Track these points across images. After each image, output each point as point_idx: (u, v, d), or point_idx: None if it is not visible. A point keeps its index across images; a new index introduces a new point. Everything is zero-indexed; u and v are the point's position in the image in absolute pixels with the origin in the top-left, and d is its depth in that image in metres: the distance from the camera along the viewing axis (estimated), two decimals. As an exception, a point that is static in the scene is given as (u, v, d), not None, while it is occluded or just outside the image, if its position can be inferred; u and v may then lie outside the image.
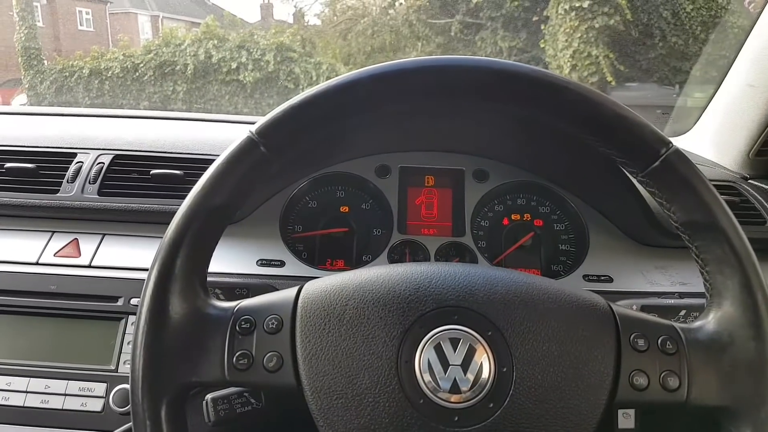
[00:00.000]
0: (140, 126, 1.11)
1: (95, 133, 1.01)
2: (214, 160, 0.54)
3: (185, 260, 0.52)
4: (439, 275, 0.54)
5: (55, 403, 0.76)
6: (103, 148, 0.96)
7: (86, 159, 0.95)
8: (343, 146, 0.96)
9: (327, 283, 0.55)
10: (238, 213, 0.91)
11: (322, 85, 0.54)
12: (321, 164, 0.99)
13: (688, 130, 1.26)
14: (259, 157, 0.54)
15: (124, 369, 0.78)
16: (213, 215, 0.53)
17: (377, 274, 0.55)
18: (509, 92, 0.54)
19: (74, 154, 0.96)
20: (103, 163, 0.94)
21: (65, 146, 0.97)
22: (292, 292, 0.55)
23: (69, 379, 0.77)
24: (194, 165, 0.93)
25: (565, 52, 8.60)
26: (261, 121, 0.54)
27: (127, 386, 0.75)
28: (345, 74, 0.54)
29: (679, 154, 0.53)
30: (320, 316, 0.52)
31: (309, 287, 0.55)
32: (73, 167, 0.94)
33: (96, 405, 0.76)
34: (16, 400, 0.77)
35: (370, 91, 0.54)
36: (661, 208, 0.55)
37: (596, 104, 0.53)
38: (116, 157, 0.95)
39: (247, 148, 0.54)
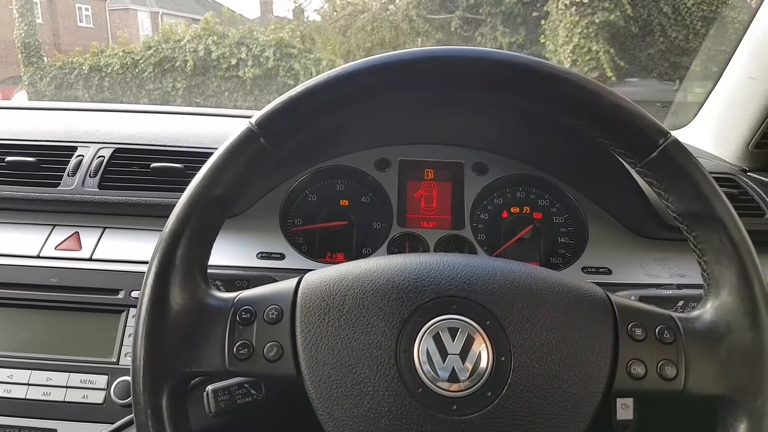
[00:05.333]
0: (140, 120, 1.11)
1: (95, 127, 1.01)
2: (214, 153, 0.55)
3: (186, 251, 0.52)
4: (437, 265, 0.54)
5: (57, 395, 0.77)
6: (103, 141, 0.96)
7: (87, 153, 0.95)
8: (343, 139, 0.96)
9: (326, 273, 0.55)
10: (238, 206, 0.91)
11: (322, 75, 0.54)
12: (321, 157, 0.99)
13: (687, 123, 1.26)
14: (259, 149, 0.54)
15: (125, 361, 0.78)
16: (213, 206, 0.54)
17: (376, 264, 0.55)
18: (508, 83, 0.54)
19: (75, 148, 0.96)
20: (104, 156, 0.94)
21: (66, 140, 0.97)
22: (291, 282, 0.55)
23: (70, 372, 0.78)
24: (194, 158, 0.93)
25: (565, 48, 8.59)
26: (260, 112, 0.54)
27: (129, 378, 0.76)
28: (345, 65, 0.54)
29: (677, 144, 0.53)
30: (320, 307, 0.53)
31: (309, 278, 0.55)
32: (73, 161, 0.94)
33: (97, 397, 0.77)
34: (17, 392, 0.77)
35: (369, 82, 0.54)
36: (659, 198, 0.55)
37: (595, 95, 0.53)
38: (116, 150, 0.95)
39: (247, 139, 0.54)
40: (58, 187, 0.91)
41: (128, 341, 0.79)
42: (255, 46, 9.65)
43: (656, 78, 8.80)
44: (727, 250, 0.52)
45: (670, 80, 8.52)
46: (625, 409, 0.79)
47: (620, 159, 0.57)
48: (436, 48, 0.54)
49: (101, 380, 0.77)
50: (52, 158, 0.95)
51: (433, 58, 0.53)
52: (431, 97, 0.56)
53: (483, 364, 0.50)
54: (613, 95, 0.53)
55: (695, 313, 0.54)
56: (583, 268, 0.91)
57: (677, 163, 0.53)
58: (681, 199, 0.53)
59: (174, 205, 0.54)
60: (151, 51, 9.96)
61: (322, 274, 0.55)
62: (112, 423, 0.75)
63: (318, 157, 0.99)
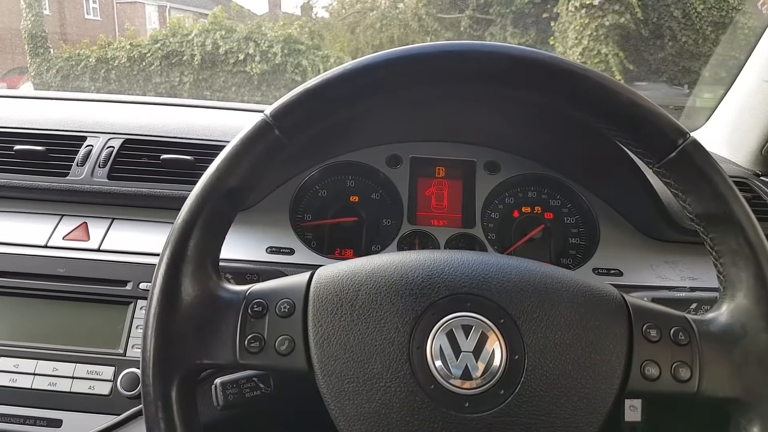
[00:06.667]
0: (150, 111, 1.11)
1: (105, 117, 1.01)
2: (224, 146, 0.54)
3: (198, 242, 0.52)
4: (452, 262, 0.54)
5: (63, 385, 0.77)
6: (113, 132, 0.96)
7: (96, 143, 0.95)
8: (355, 135, 0.96)
9: (339, 268, 0.55)
10: (248, 199, 0.91)
11: (338, 68, 0.53)
12: (332, 153, 0.98)
13: (700, 127, 1.26)
14: (274, 141, 0.53)
15: (132, 353, 0.78)
16: (226, 197, 0.53)
17: (390, 260, 0.55)
18: (527, 79, 0.53)
19: (84, 138, 0.96)
20: (113, 147, 0.94)
21: (75, 129, 0.97)
22: (304, 276, 0.55)
23: (77, 362, 0.78)
24: (205, 151, 0.93)
25: (574, 50, 8.58)
26: (275, 104, 0.54)
27: (135, 370, 0.76)
28: (361, 58, 0.53)
29: (696, 145, 0.53)
30: (332, 301, 0.52)
31: (321, 272, 0.55)
32: (82, 150, 0.94)
33: (104, 388, 0.76)
34: (23, 382, 0.77)
35: (385, 76, 0.53)
36: (676, 199, 0.55)
37: (614, 93, 0.52)
38: (126, 141, 0.95)
39: (262, 131, 0.53)
40: (67, 177, 0.91)
41: (135, 333, 0.79)
42: (263, 41, 9.64)
43: (666, 82, 8.77)
44: (744, 252, 0.52)
45: (680, 85, 8.50)
46: (633, 411, 0.79)
47: (637, 158, 0.57)
48: (453, 42, 0.54)
49: (108, 371, 0.77)
50: (61, 148, 0.95)
51: (450, 51, 0.53)
52: (446, 91, 0.56)
53: (496, 362, 0.50)
54: (632, 93, 0.53)
55: (710, 315, 0.54)
56: (593, 270, 0.90)
57: (696, 164, 0.52)
58: (699, 201, 0.53)
59: (183, 197, 0.54)
60: (159, 45, 9.95)
61: (334, 269, 0.55)
62: (118, 415, 0.75)
63: (329, 152, 0.98)
